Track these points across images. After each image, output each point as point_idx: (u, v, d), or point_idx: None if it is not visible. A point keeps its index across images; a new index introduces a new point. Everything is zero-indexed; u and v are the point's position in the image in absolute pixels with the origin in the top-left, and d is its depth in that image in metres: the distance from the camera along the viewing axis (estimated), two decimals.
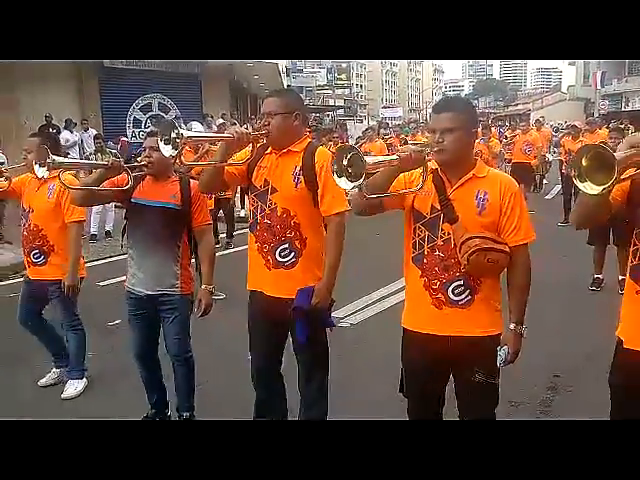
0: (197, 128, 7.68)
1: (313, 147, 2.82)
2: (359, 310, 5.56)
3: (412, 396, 2.51)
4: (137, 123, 16.66)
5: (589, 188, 1.67)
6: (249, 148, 2.74)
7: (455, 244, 2.26)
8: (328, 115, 40.35)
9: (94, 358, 4.43)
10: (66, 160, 3.91)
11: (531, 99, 60.77)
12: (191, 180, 3.29)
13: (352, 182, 2.05)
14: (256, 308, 2.95)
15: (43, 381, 4.14)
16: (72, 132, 13.12)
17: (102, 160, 9.56)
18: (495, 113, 56.33)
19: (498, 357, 2.30)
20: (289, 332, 2.93)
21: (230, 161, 2.76)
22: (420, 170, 2.23)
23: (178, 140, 2.46)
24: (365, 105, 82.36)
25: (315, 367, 2.92)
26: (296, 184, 2.75)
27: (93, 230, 9.40)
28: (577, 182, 1.68)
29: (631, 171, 1.82)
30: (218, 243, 7.02)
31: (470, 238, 2.22)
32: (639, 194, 2.01)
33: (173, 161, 3.00)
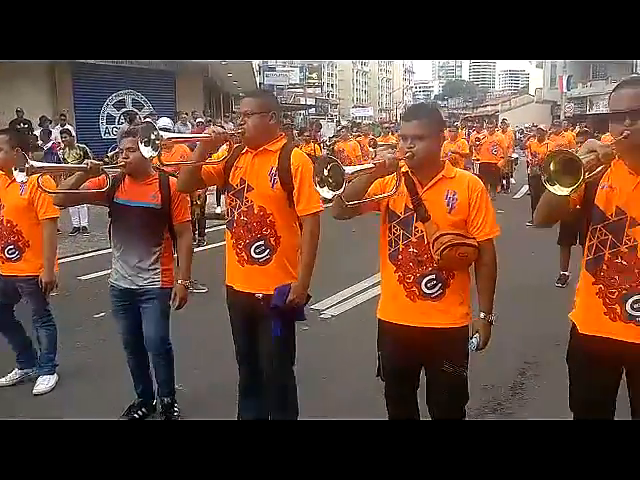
0: (165, 123, 7.63)
1: (289, 148, 2.89)
2: (339, 302, 5.76)
3: (388, 380, 2.66)
4: (110, 119, 16.63)
5: (559, 190, 1.85)
6: (226, 147, 2.83)
7: (428, 241, 2.40)
8: (300, 114, 40.54)
9: (82, 349, 4.54)
10: (44, 165, 3.90)
11: (499, 101, 61.76)
12: (170, 178, 3.36)
13: (333, 191, 2.17)
14: (231, 302, 3.04)
15: (2, 380, 4.03)
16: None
17: (70, 155, 9.61)
18: (464, 114, 57.20)
19: (470, 344, 2.43)
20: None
21: (208, 160, 2.84)
22: (393, 175, 2.39)
23: (158, 141, 2.53)
24: (336, 104, 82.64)
25: (284, 357, 2.98)
26: (272, 184, 2.81)
27: (75, 224, 9.41)
28: (547, 185, 1.86)
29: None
30: (195, 240, 7.10)
31: (442, 235, 2.36)
32: (593, 194, 2.21)
33: (152, 161, 3.04)
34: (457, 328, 2.47)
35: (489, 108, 56.74)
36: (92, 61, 15.40)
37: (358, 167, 2.34)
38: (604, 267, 2.20)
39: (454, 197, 2.43)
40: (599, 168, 2.00)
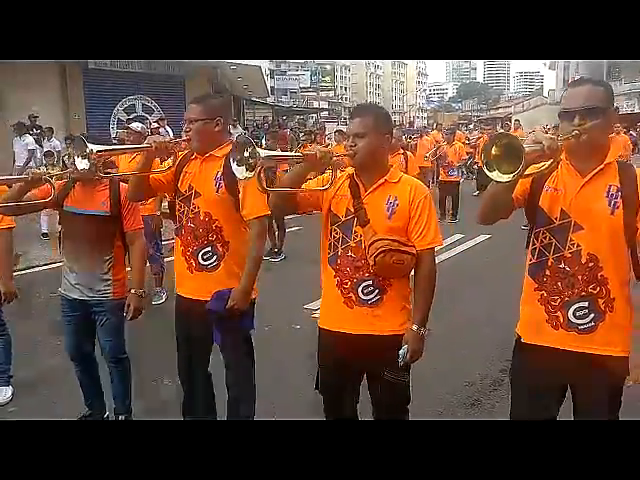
0: (136, 126, 7.37)
1: None
2: None
3: (326, 393, 2.58)
4: (121, 124, 16.79)
5: (498, 177, 1.76)
6: (171, 160, 2.81)
7: (365, 246, 2.35)
8: (312, 117, 40.65)
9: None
10: None
11: (513, 102, 61.38)
12: (121, 184, 3.27)
13: (249, 172, 2.19)
14: (180, 311, 3.01)
15: None
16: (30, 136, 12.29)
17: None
18: (478, 116, 57.10)
19: (399, 356, 2.33)
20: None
21: (156, 169, 2.84)
22: (332, 172, 2.35)
23: (91, 155, 2.53)
24: (349, 107, 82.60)
25: (238, 367, 2.96)
26: (217, 188, 2.79)
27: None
28: (486, 170, 1.79)
29: (535, 167, 1.91)
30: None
31: (378, 240, 2.30)
32: (537, 196, 2.12)
33: (95, 172, 2.91)
34: (396, 336, 2.39)
35: (502, 110, 56.42)
36: (103, 66, 15.66)
37: (278, 153, 2.36)
38: (547, 273, 2.12)
39: (395, 202, 2.38)
40: (548, 163, 1.91)
